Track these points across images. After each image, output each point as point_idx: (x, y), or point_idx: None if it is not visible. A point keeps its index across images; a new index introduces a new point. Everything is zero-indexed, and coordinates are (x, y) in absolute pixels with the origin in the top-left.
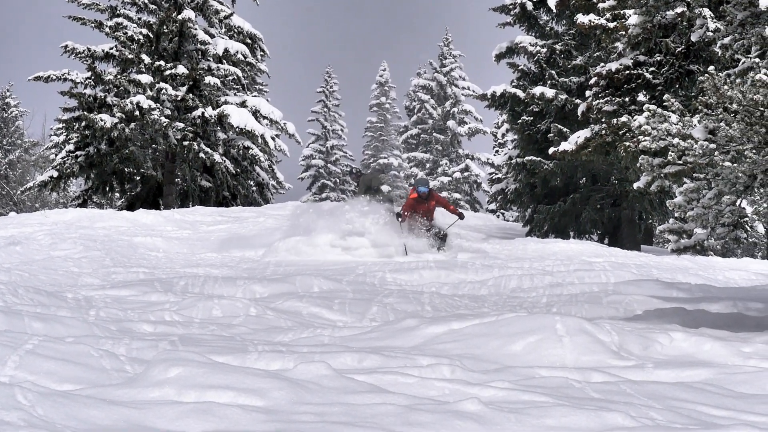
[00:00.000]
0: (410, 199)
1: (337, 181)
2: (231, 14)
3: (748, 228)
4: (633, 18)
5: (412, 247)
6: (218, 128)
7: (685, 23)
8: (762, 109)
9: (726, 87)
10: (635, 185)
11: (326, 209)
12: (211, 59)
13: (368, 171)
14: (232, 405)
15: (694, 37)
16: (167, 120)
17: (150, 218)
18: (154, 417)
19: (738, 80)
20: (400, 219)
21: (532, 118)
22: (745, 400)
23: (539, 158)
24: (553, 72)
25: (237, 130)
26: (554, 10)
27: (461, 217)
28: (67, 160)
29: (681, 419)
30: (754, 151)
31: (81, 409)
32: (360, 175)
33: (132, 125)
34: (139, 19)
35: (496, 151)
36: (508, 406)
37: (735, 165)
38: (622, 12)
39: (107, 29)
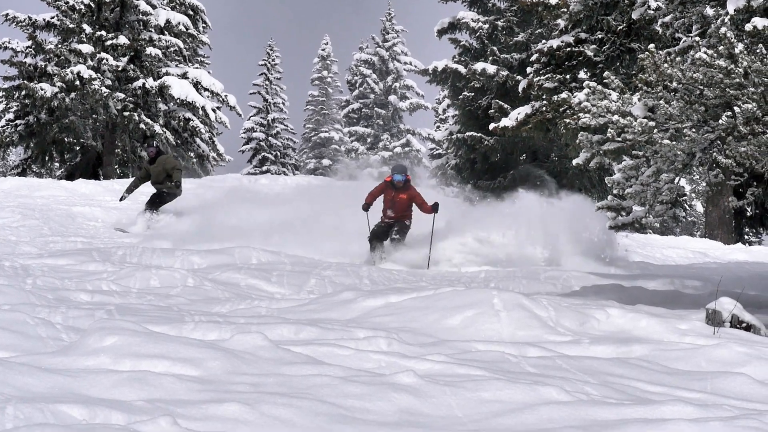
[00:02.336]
0: (381, 183)
1: (278, 154)
2: None
3: (687, 206)
4: None
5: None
6: (159, 99)
7: (626, 1)
8: (701, 87)
9: (666, 65)
10: (574, 162)
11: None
12: (153, 30)
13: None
14: (168, 374)
15: (635, 15)
16: (108, 90)
17: (89, 188)
18: (89, 385)
19: (678, 59)
20: (363, 207)
21: (473, 93)
22: (680, 377)
23: (480, 134)
24: (495, 48)
25: (178, 101)
26: None
27: (435, 209)
28: (7, 129)
29: (616, 395)
30: (693, 129)
31: (15, 376)
32: (159, 152)
33: (72, 95)
34: None
35: (438, 127)
36: (444, 379)
37: (674, 143)
38: None
39: None
